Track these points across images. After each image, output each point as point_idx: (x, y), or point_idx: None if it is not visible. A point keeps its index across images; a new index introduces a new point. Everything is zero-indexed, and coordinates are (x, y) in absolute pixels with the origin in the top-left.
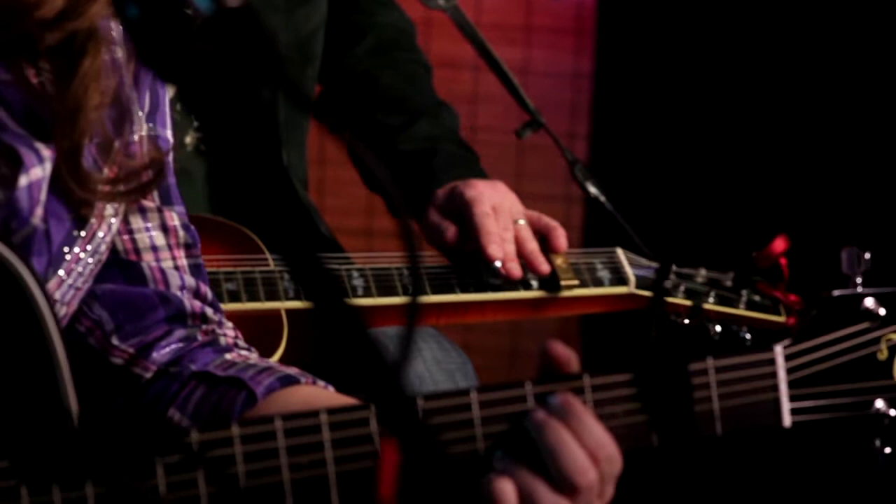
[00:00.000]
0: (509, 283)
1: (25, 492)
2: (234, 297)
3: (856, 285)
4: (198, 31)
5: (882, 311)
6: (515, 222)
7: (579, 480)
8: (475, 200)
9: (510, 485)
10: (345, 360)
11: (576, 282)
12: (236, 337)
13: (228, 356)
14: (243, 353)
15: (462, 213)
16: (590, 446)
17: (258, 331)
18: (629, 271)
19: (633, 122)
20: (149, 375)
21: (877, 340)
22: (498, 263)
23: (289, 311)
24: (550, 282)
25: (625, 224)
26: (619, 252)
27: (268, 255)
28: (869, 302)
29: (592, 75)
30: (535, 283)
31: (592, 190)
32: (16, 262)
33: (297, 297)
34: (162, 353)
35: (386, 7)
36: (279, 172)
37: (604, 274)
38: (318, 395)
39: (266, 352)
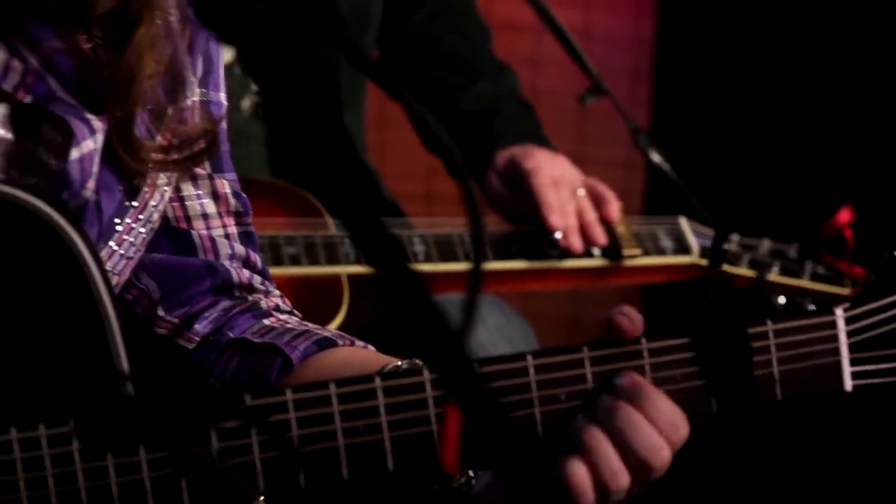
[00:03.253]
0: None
1: (79, 457)
2: (295, 260)
3: None
4: None
5: None
6: (575, 193)
7: (654, 462)
8: (535, 171)
9: (583, 468)
10: (408, 327)
11: (638, 250)
12: (281, 301)
13: (267, 321)
14: (283, 317)
15: (521, 182)
16: (663, 426)
17: (319, 295)
18: (692, 240)
19: (696, 87)
20: (192, 347)
21: None
22: (558, 234)
23: (350, 276)
24: (612, 250)
25: (688, 193)
26: (682, 221)
27: (328, 220)
28: None
29: (654, 39)
30: (596, 252)
31: (655, 158)
32: (70, 230)
33: (358, 262)
34: (204, 325)
35: None
36: (340, 135)
37: (666, 243)
38: (355, 356)
39: (327, 315)
